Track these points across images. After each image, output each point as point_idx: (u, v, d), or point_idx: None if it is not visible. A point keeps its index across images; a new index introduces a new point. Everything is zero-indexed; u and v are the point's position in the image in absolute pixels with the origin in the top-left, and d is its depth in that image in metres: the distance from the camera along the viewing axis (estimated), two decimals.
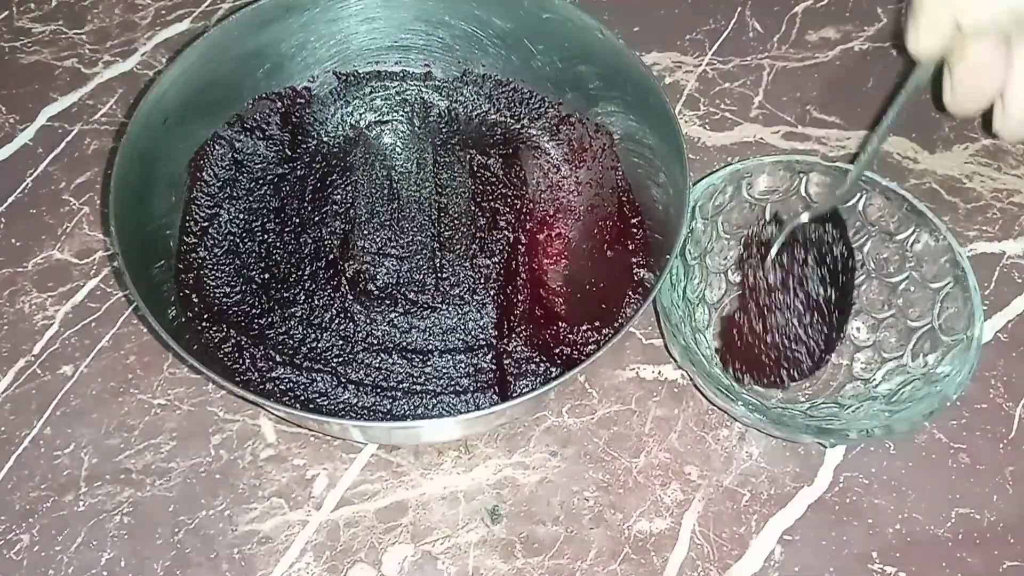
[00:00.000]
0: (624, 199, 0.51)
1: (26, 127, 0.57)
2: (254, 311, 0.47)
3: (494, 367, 0.47)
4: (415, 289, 0.48)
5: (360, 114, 0.54)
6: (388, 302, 0.48)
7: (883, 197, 0.47)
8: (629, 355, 0.49)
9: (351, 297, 0.48)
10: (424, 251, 0.50)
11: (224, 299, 0.48)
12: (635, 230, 0.49)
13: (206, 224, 0.49)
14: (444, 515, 0.44)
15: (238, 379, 0.45)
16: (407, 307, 0.48)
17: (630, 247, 0.49)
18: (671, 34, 0.62)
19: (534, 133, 0.54)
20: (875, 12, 0.64)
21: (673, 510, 0.45)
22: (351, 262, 0.49)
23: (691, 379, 0.47)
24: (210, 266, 0.48)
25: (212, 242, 0.49)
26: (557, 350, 0.46)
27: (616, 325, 0.46)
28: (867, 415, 0.44)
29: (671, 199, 0.45)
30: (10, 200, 0.54)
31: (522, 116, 0.55)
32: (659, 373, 0.49)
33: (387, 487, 0.45)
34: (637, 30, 0.62)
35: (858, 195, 0.48)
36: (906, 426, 0.42)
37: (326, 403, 0.45)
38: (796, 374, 0.46)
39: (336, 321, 0.47)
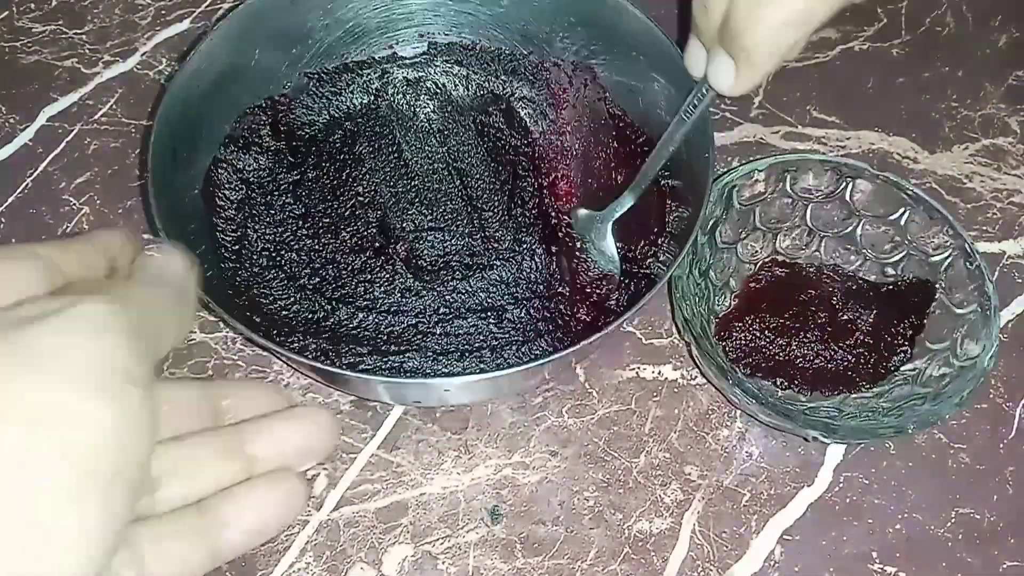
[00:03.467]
0: (622, 124, 0.51)
1: (26, 127, 0.57)
2: (317, 315, 0.47)
3: (564, 305, 0.48)
4: (467, 254, 0.49)
5: (348, 106, 0.54)
6: (445, 272, 0.49)
7: (927, 216, 0.47)
8: (629, 355, 0.49)
9: (410, 276, 0.48)
10: (460, 216, 0.51)
11: (284, 312, 0.47)
12: (646, 147, 0.49)
13: (237, 247, 0.49)
14: (444, 515, 0.44)
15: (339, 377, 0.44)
16: (464, 272, 0.49)
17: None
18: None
19: (517, 85, 0.55)
20: (875, 12, 0.64)
21: (673, 510, 0.45)
22: (399, 243, 0.49)
23: (690, 353, 0.47)
24: (258, 284, 0.48)
25: (249, 262, 0.48)
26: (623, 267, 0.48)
27: (667, 232, 0.47)
28: (869, 414, 0.44)
29: (673, 97, 0.45)
30: (10, 200, 0.54)
31: (499, 72, 0.55)
32: (659, 373, 0.49)
33: (387, 487, 0.45)
34: None
35: (902, 210, 0.48)
36: (914, 425, 0.42)
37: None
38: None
39: (403, 302, 0.48)
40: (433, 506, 0.45)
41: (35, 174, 0.55)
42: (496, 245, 0.50)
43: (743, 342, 0.47)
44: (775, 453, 0.47)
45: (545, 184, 0.52)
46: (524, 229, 0.50)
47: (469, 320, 0.47)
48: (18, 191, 0.54)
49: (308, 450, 0.33)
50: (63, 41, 0.61)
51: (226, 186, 0.49)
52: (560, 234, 0.50)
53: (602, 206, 0.48)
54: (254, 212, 0.50)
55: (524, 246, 0.50)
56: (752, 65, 0.35)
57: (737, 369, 0.47)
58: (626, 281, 0.48)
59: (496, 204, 0.51)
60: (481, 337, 0.47)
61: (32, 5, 0.62)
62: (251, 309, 0.47)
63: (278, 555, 0.43)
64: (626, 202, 0.47)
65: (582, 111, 0.53)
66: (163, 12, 0.62)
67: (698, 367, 0.48)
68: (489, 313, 0.48)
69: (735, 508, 0.45)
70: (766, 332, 0.47)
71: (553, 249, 0.50)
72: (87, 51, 0.60)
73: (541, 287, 0.49)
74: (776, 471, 0.46)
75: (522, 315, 0.48)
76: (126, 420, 0.22)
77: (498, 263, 0.49)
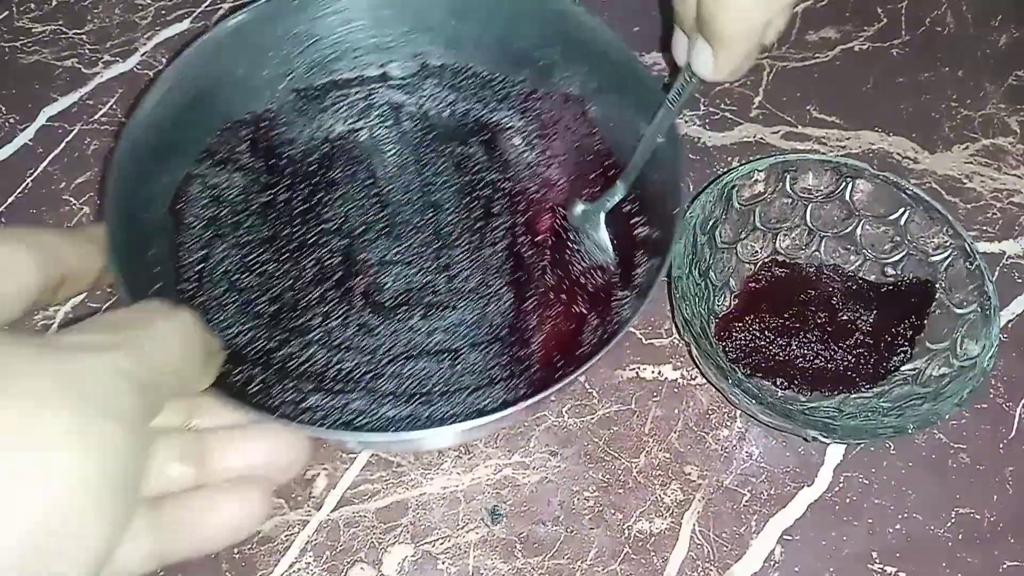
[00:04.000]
0: (608, 163, 0.50)
1: (26, 127, 0.57)
2: (270, 345, 0.46)
3: (524, 352, 0.47)
4: (428, 291, 0.48)
5: (329, 127, 0.53)
6: (404, 309, 0.47)
7: (927, 216, 0.47)
8: (629, 355, 0.49)
9: (367, 311, 0.47)
10: (428, 252, 0.49)
11: (237, 339, 0.46)
12: (631, 190, 0.48)
13: (200, 267, 0.47)
14: (444, 515, 0.44)
15: (276, 416, 0.43)
16: (424, 311, 0.47)
17: (626, 209, 0.48)
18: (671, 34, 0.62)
19: (505, 114, 0.53)
20: (875, 12, 0.64)
21: (673, 510, 0.45)
22: (359, 276, 0.48)
23: (690, 354, 0.47)
24: (214, 308, 0.46)
25: (210, 284, 0.47)
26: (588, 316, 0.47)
27: (632, 285, 0.46)
28: (868, 414, 0.44)
29: (663, 151, 0.44)
30: (10, 200, 0.54)
31: (488, 100, 0.54)
32: (659, 373, 0.49)
33: (387, 487, 0.45)
34: (637, 30, 0.62)
35: (902, 210, 0.48)
36: (914, 425, 0.42)
37: (366, 422, 0.44)
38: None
39: (356, 338, 0.46)
40: (433, 506, 0.45)
41: (35, 174, 0.55)
42: (460, 285, 0.48)
43: (743, 342, 0.47)
44: (775, 453, 0.47)
45: (519, 223, 0.50)
46: (492, 271, 0.49)
47: (422, 362, 0.46)
48: (18, 191, 0.54)
49: (273, 467, 0.33)
50: (63, 41, 0.61)
51: (197, 202, 0.48)
52: (533, 276, 0.48)
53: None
54: (221, 232, 0.48)
55: (490, 289, 0.48)
56: (728, 49, 0.36)
57: (737, 369, 0.47)
58: (596, 330, 0.46)
59: (465, 242, 0.49)
60: (432, 381, 0.45)
61: (32, 5, 0.62)
62: None
63: (278, 555, 0.43)
64: (618, 192, 0.47)
65: (570, 145, 0.52)
66: (163, 12, 0.62)
67: (698, 367, 0.48)
68: (443, 356, 0.46)
69: (735, 508, 0.45)
70: (766, 332, 0.47)
71: (522, 293, 0.48)
72: (87, 51, 0.60)
73: (504, 331, 0.47)
74: (776, 471, 0.46)
75: (478, 360, 0.46)
76: (130, 444, 0.26)
77: (461, 304, 0.47)
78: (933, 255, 0.47)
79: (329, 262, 0.49)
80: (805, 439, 0.46)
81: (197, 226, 0.48)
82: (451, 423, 0.43)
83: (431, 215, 0.51)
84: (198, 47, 0.45)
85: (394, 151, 0.53)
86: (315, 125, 0.53)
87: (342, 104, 0.53)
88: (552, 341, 0.48)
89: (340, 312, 0.47)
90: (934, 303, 0.47)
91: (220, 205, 0.49)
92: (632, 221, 0.47)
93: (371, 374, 0.46)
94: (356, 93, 0.53)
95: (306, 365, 0.46)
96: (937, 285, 0.47)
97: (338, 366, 0.46)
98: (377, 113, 0.54)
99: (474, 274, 0.49)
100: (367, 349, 0.46)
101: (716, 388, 0.47)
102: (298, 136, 0.52)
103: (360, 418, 0.44)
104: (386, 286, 0.48)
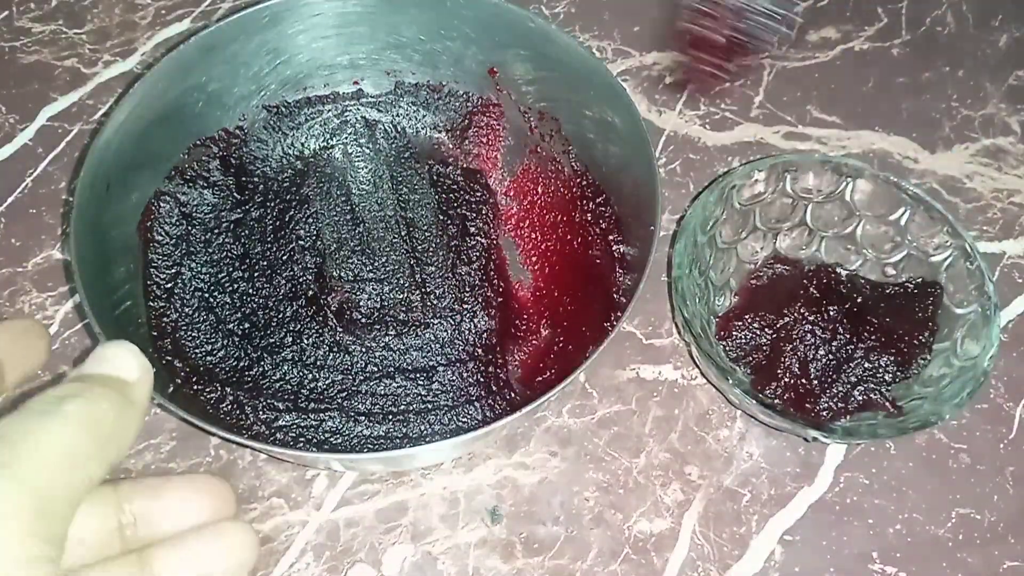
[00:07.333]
0: (585, 181, 0.49)
1: (26, 127, 0.57)
2: (242, 363, 0.46)
3: (501, 370, 0.46)
4: (403, 309, 0.48)
5: (302, 143, 0.53)
6: (378, 327, 0.47)
7: (927, 216, 0.47)
8: (629, 355, 0.49)
9: (340, 329, 0.46)
10: (402, 269, 0.49)
11: (208, 357, 0.46)
12: (603, 208, 0.48)
13: (170, 285, 0.47)
14: (444, 515, 0.44)
15: (246, 434, 0.43)
16: (399, 328, 0.47)
17: (603, 226, 0.48)
18: (671, 33, 0.62)
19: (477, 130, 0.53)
20: (875, 12, 0.64)
21: (673, 510, 0.45)
22: (332, 294, 0.48)
23: (690, 354, 0.47)
24: (185, 327, 0.46)
25: (180, 302, 0.46)
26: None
27: (611, 304, 0.45)
28: (870, 415, 0.44)
29: (638, 168, 0.44)
30: (10, 200, 0.54)
31: (464, 117, 0.53)
32: (659, 373, 0.49)
33: (387, 487, 0.45)
34: (637, 30, 0.62)
35: (902, 210, 0.47)
36: (914, 425, 0.42)
37: (340, 440, 0.44)
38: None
39: (331, 356, 0.46)
40: (433, 506, 0.45)
41: (35, 174, 0.55)
42: (436, 303, 0.48)
43: (743, 342, 0.47)
44: (775, 453, 0.47)
45: (496, 242, 0.50)
46: (467, 289, 0.48)
47: (397, 381, 0.46)
48: (18, 191, 0.54)
49: (225, 569, 0.29)
50: (63, 41, 0.61)
51: (166, 220, 0.47)
52: (510, 297, 0.48)
53: (570, 256, 0.48)
54: (192, 249, 0.48)
55: (465, 307, 0.48)
56: None
57: (737, 369, 0.47)
58: (569, 349, 0.46)
59: (440, 260, 0.49)
60: (407, 399, 0.45)
61: (32, 5, 0.62)
62: (174, 354, 0.45)
63: (278, 555, 0.43)
64: None
65: (549, 161, 0.51)
66: (163, 12, 0.62)
67: (698, 367, 0.48)
68: (419, 374, 0.46)
69: (735, 508, 0.45)
70: (766, 332, 0.47)
71: (495, 311, 0.48)
72: (87, 51, 0.60)
73: (477, 351, 0.47)
74: (776, 471, 0.46)
75: (453, 378, 0.46)
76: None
77: (435, 322, 0.47)
78: (933, 255, 0.47)
79: (302, 279, 0.48)
80: (805, 439, 0.46)
81: (167, 244, 0.47)
82: (428, 442, 0.43)
83: (406, 231, 0.50)
84: (167, 62, 0.45)
85: (368, 168, 0.52)
86: (288, 142, 0.52)
87: (315, 121, 0.53)
88: (527, 360, 0.48)
89: (313, 330, 0.47)
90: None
91: (190, 223, 0.48)
92: (610, 238, 0.47)
93: (345, 393, 0.45)
94: (330, 110, 0.53)
95: (279, 383, 0.45)
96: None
97: (313, 384, 0.45)
98: (351, 129, 0.53)
99: (449, 292, 0.48)
100: (341, 368, 0.46)
101: (716, 388, 0.47)
102: (270, 153, 0.52)
103: (334, 437, 0.44)
104: (360, 303, 0.48)
